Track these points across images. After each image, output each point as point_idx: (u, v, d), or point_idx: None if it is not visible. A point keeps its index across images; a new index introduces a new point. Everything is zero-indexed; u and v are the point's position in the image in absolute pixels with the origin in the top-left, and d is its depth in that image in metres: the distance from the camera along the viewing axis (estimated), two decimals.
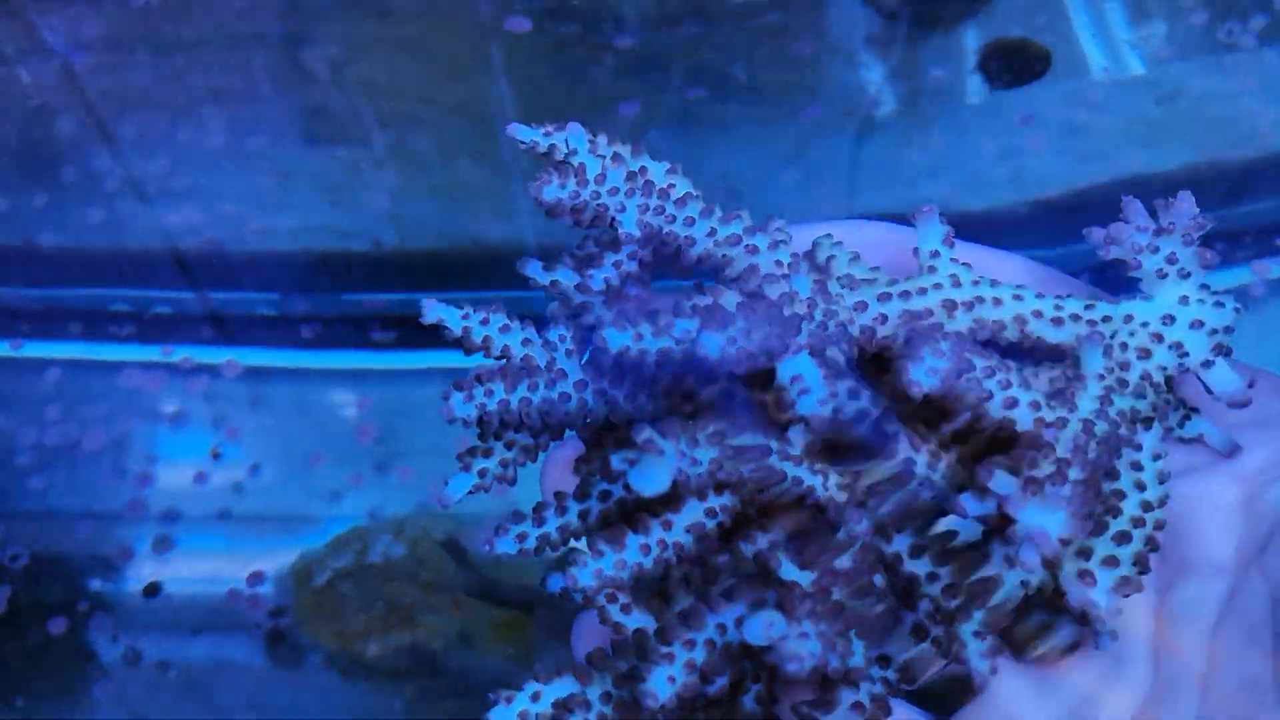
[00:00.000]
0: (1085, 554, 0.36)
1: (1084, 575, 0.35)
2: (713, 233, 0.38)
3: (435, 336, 0.38)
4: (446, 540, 0.76)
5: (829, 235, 0.41)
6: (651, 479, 0.33)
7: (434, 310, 0.38)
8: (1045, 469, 0.34)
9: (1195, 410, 0.39)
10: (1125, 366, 0.37)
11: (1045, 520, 0.33)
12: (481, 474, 0.38)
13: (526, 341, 0.38)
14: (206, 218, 0.86)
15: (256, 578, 0.76)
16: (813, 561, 0.35)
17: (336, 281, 0.86)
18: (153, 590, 0.77)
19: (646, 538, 0.34)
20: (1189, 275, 0.37)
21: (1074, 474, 0.34)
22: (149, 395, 0.82)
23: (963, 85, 0.93)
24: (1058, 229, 0.89)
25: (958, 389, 0.34)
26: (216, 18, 0.91)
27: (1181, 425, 0.38)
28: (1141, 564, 0.36)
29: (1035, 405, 0.35)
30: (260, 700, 0.75)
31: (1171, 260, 0.37)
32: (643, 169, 0.40)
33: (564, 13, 0.87)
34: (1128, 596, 0.35)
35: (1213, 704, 0.36)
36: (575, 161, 0.39)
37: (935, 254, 0.39)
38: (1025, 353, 0.40)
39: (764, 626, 0.32)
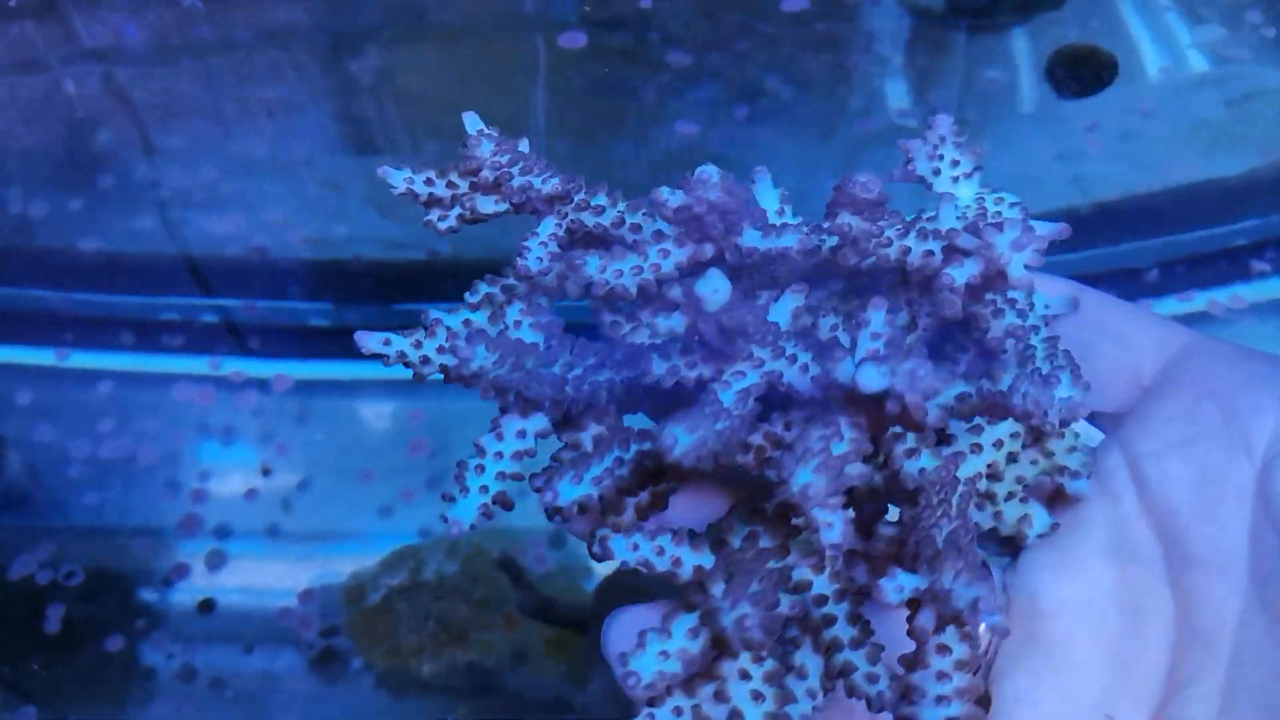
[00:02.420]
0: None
1: (1049, 378, 0.34)
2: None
3: None
4: (502, 558, 0.75)
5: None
6: None
7: (369, 339, 0.38)
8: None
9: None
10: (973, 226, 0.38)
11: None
12: (483, 490, 0.36)
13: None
14: (252, 225, 0.86)
15: (308, 596, 0.76)
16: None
17: (388, 292, 0.86)
18: (206, 607, 0.76)
19: None
20: (972, 174, 0.39)
21: None
22: (199, 409, 0.82)
23: (1018, 92, 0.91)
24: (1117, 236, 0.88)
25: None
26: (260, 23, 0.91)
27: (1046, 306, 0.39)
28: (1075, 368, 0.35)
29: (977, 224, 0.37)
30: (313, 718, 0.74)
31: (954, 164, 0.39)
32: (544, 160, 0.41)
33: (616, 28, 0.86)
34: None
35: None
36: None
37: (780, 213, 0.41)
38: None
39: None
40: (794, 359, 0.34)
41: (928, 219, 0.38)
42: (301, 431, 0.82)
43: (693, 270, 0.36)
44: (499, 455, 0.37)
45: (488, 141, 0.40)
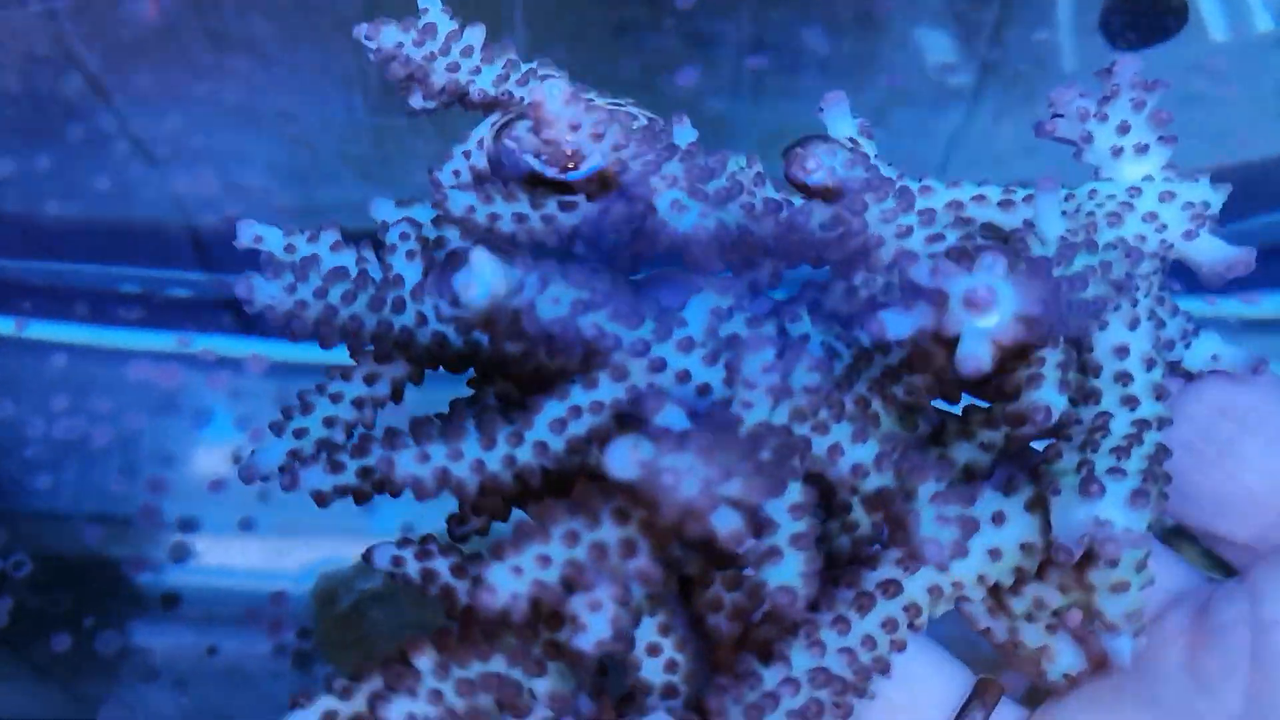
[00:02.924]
0: (1084, 468, 0.28)
1: (1088, 485, 0.27)
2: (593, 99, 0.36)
3: None
4: None
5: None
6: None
7: (250, 229, 0.34)
8: (1000, 256, 0.26)
9: (1199, 327, 0.32)
10: (1093, 228, 0.31)
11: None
12: (299, 434, 0.32)
13: (363, 260, 0.34)
14: (223, 189, 0.78)
15: (279, 597, 0.70)
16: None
17: None
18: (169, 603, 0.71)
19: None
20: (1147, 150, 0.32)
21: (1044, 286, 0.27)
22: (167, 389, 0.75)
23: (1066, 50, 0.82)
24: None
25: (856, 190, 0.30)
26: None
27: (1187, 344, 0.32)
28: (1151, 478, 0.28)
29: (969, 238, 0.31)
30: None
31: (1124, 130, 0.32)
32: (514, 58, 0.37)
33: None
34: (1147, 523, 0.27)
35: None
36: (423, 20, 0.36)
37: (855, 144, 0.34)
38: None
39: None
40: (685, 376, 0.29)
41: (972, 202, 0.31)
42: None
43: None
44: (336, 398, 0.33)
45: (392, 29, 0.35)
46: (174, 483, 0.73)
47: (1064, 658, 0.31)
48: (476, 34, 0.36)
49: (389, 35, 0.36)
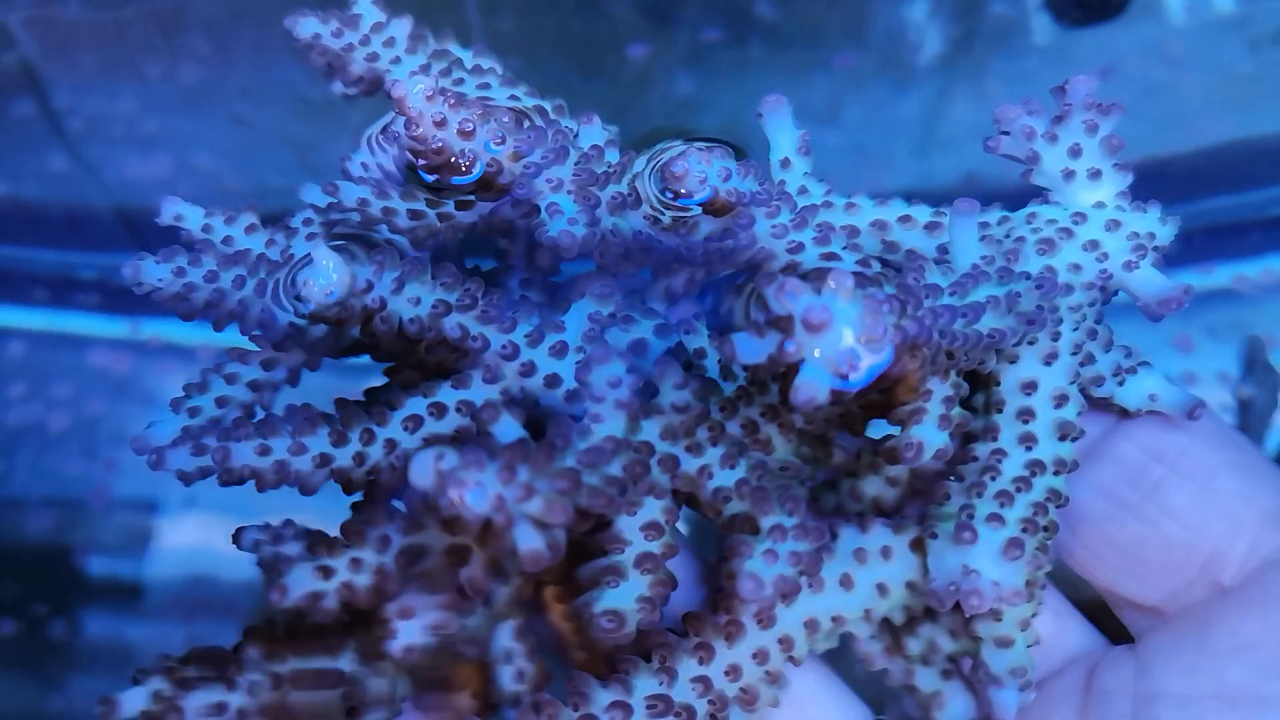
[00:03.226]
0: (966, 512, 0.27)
1: (961, 532, 0.27)
2: (514, 99, 0.36)
3: None
4: None
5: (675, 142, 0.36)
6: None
7: (172, 206, 0.34)
8: (844, 280, 0.24)
9: (1144, 362, 0.31)
10: (1014, 256, 0.29)
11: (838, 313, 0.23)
12: (192, 413, 0.32)
13: (271, 243, 0.34)
14: (176, 171, 0.78)
15: (240, 586, 0.70)
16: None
17: None
18: (123, 592, 0.71)
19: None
20: (1099, 176, 0.30)
21: (901, 320, 0.25)
22: (116, 375, 0.75)
23: (1028, 26, 0.82)
24: (1140, 195, 0.79)
25: (743, 203, 0.28)
26: None
27: (1121, 381, 0.30)
28: (1032, 528, 0.27)
29: (865, 263, 0.29)
30: None
31: (1075, 153, 0.30)
32: (447, 49, 0.37)
33: None
34: (1031, 579, 0.27)
35: None
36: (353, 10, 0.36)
37: (786, 163, 0.33)
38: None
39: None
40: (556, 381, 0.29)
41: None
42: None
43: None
44: (231, 379, 0.33)
45: (311, 20, 0.36)
46: (130, 466, 0.73)
47: (955, 705, 0.30)
48: (402, 26, 0.36)
49: (307, 26, 0.36)
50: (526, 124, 0.33)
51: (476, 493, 0.23)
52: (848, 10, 0.80)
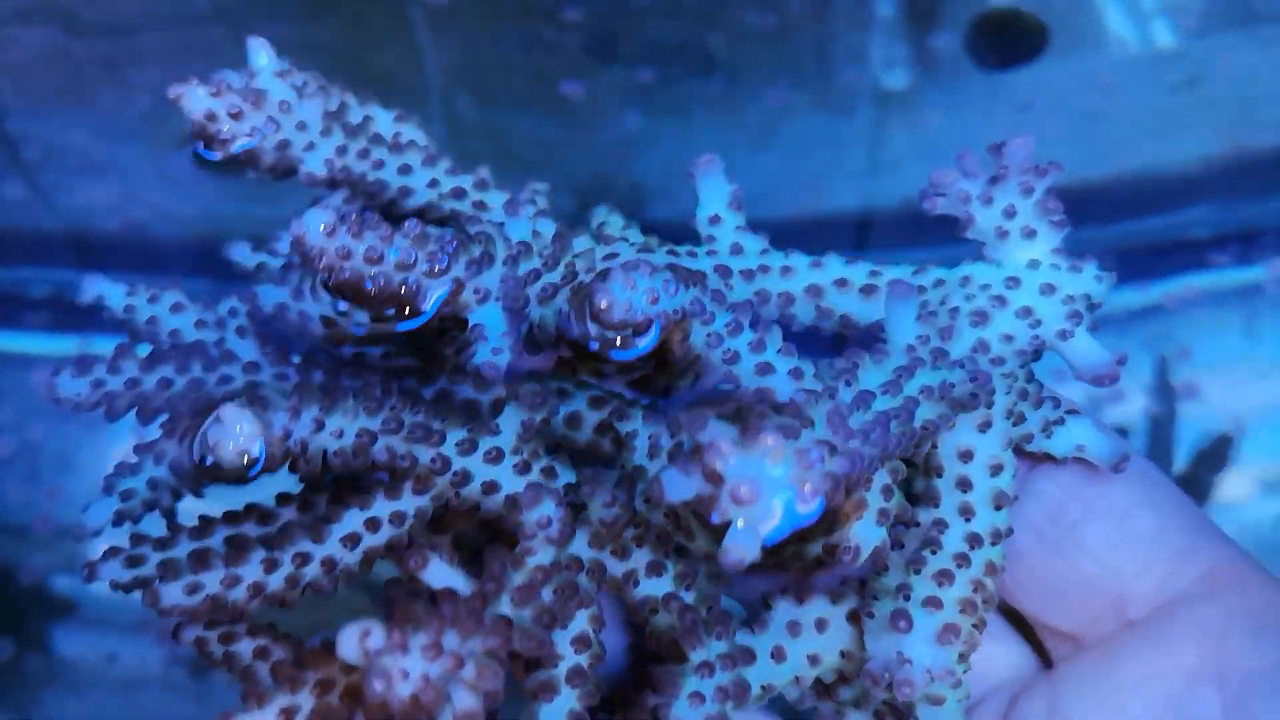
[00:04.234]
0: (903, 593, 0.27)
1: (897, 620, 0.27)
2: (434, 184, 0.33)
3: None
4: None
5: (608, 206, 0.35)
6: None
7: (94, 286, 0.33)
8: (779, 422, 0.24)
9: (1072, 411, 0.31)
10: (948, 334, 0.29)
11: (769, 490, 0.22)
12: (126, 496, 0.32)
13: (201, 324, 0.33)
14: (126, 196, 0.79)
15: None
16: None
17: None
18: (66, 610, 0.70)
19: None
20: (1034, 235, 0.30)
21: (819, 432, 0.24)
22: None
23: (962, 59, 0.84)
24: (1073, 217, 0.82)
25: (686, 323, 0.27)
26: None
27: (1048, 434, 0.31)
28: (970, 609, 0.27)
29: (796, 373, 0.27)
30: None
31: (1010, 214, 0.30)
32: (367, 119, 0.34)
33: None
34: (961, 657, 0.27)
35: None
36: (254, 85, 0.32)
37: (716, 219, 0.32)
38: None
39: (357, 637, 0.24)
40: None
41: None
42: None
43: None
44: (160, 456, 0.32)
45: (198, 92, 0.31)
46: (73, 490, 0.73)
47: None
48: (313, 108, 0.33)
49: (196, 101, 0.32)
50: (449, 234, 0.29)
51: (407, 684, 0.23)
52: (788, 42, 0.83)
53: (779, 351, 0.28)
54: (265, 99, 0.32)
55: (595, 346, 0.28)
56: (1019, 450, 0.31)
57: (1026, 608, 0.32)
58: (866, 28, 0.82)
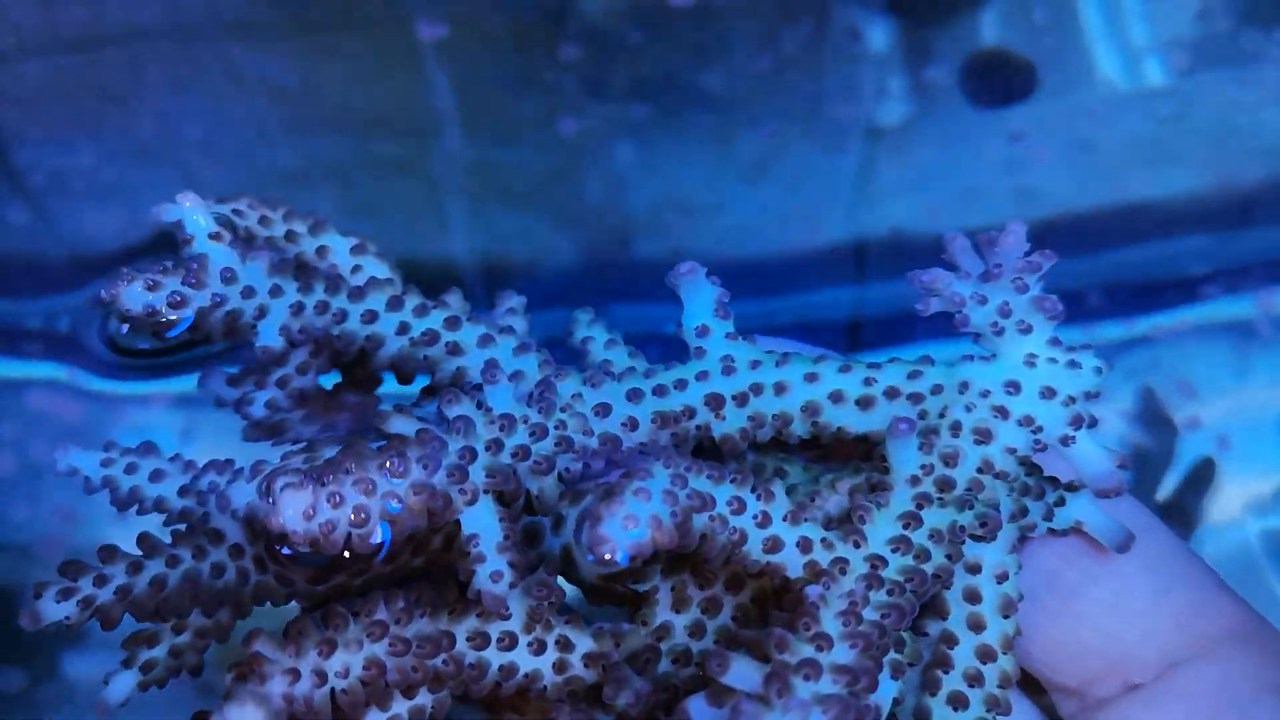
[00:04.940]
0: None
1: None
2: (404, 328, 0.31)
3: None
4: None
5: (588, 312, 0.34)
6: None
7: (67, 459, 0.32)
8: (800, 652, 0.24)
9: (1070, 488, 0.31)
10: (953, 460, 0.29)
11: None
12: (147, 668, 0.31)
13: (185, 491, 0.31)
14: (130, 221, 0.80)
15: None
16: None
17: None
18: (76, 631, 0.71)
19: None
20: (1030, 330, 0.30)
21: (839, 655, 0.24)
22: (66, 419, 0.76)
23: (954, 94, 0.86)
24: (1062, 249, 0.82)
25: (691, 537, 0.26)
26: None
27: (1051, 515, 0.30)
28: None
29: (805, 545, 0.26)
30: None
31: (1005, 313, 0.30)
32: (322, 249, 0.32)
33: (497, 17, 0.81)
34: None
35: None
36: (193, 253, 0.30)
37: (703, 331, 0.31)
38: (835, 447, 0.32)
39: None
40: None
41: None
42: (187, 448, 0.77)
43: None
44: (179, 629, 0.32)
45: (133, 289, 0.29)
46: (81, 512, 0.74)
47: None
48: (257, 269, 0.30)
49: (132, 297, 0.29)
50: (434, 443, 0.27)
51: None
52: (781, 78, 0.84)
53: (784, 519, 0.27)
54: (206, 271, 0.30)
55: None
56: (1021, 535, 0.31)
57: (1030, 667, 0.32)
58: (859, 63, 0.84)
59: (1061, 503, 0.31)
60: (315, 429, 0.31)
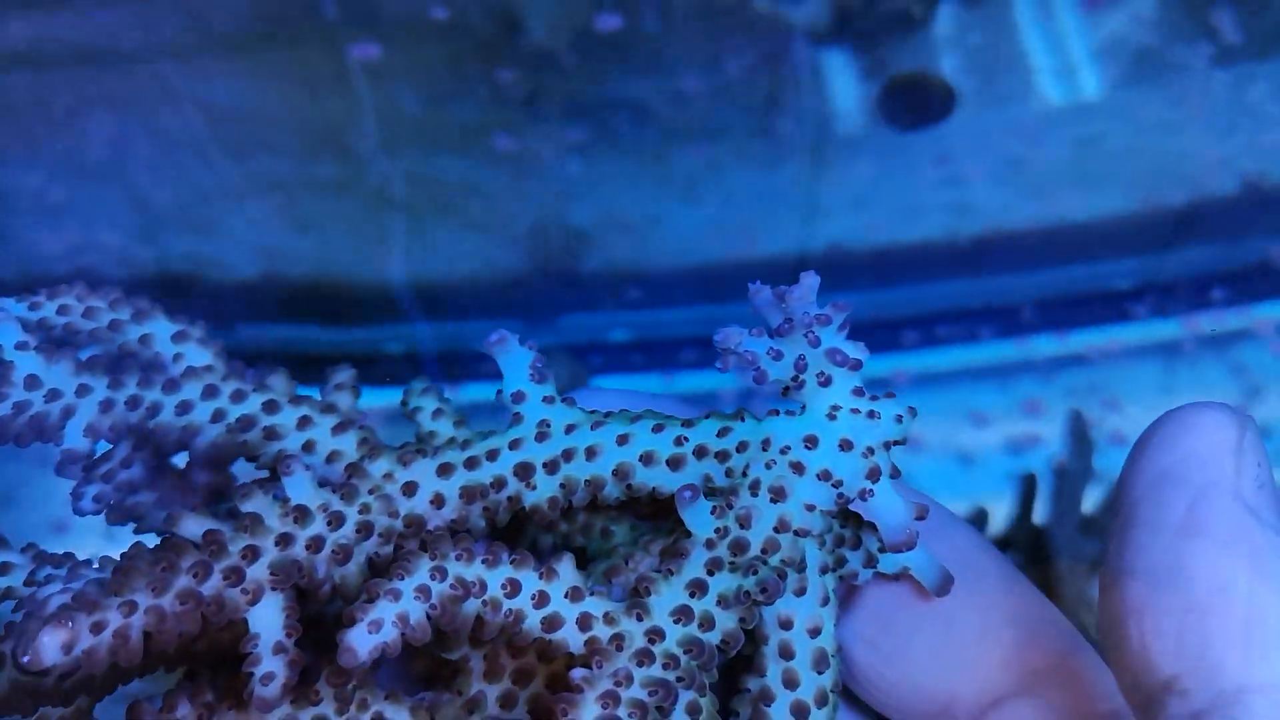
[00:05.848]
0: None
1: None
2: (219, 416, 0.31)
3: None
4: None
5: (424, 381, 0.33)
6: None
7: None
8: None
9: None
10: (747, 521, 0.29)
11: None
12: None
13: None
14: (84, 241, 0.81)
15: None
16: None
17: (228, 312, 0.81)
18: None
19: None
20: (830, 382, 0.29)
21: None
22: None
23: (894, 110, 0.87)
24: (997, 266, 0.84)
25: (460, 621, 0.27)
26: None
27: (874, 561, 0.31)
28: None
29: (585, 621, 0.27)
30: None
31: (801, 367, 0.29)
32: (145, 337, 0.32)
33: (434, 39, 0.82)
34: None
35: None
36: None
37: (519, 396, 0.31)
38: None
39: None
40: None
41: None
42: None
43: None
44: None
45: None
46: (15, 525, 0.75)
47: None
48: (64, 369, 0.31)
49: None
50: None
51: None
52: (723, 99, 0.85)
53: (565, 596, 0.28)
54: (8, 381, 0.30)
55: None
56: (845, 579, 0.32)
57: (877, 705, 0.33)
58: (799, 86, 0.85)
59: (884, 549, 0.31)
60: (171, 509, 0.31)
